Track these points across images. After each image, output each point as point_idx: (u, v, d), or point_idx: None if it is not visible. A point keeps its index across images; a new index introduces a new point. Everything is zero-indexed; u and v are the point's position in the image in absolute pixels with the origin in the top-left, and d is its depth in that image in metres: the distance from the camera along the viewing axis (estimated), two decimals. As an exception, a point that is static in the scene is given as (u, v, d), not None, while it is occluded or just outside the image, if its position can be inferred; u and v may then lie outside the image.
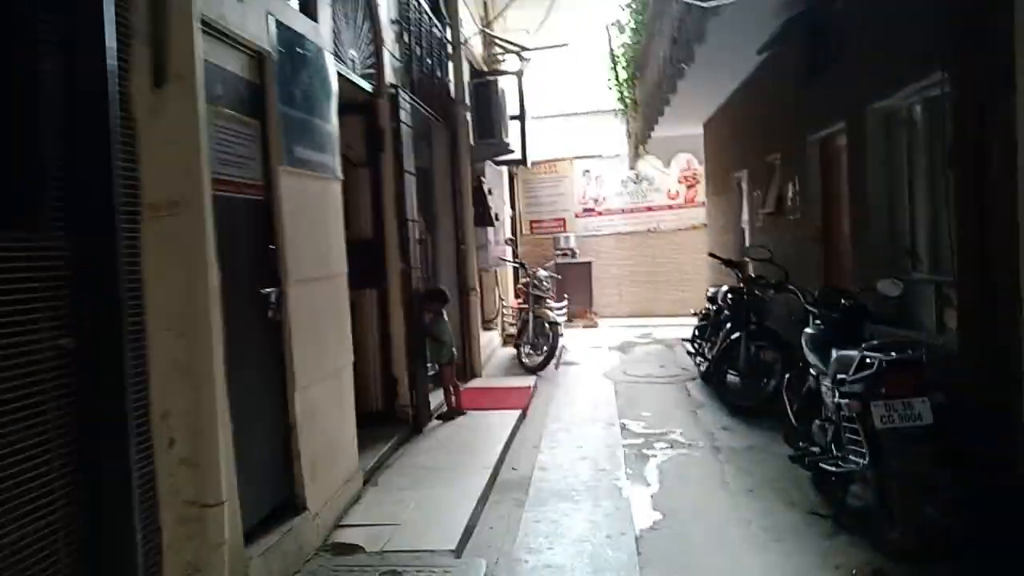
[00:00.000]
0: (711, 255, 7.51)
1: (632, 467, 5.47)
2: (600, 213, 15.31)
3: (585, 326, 13.81)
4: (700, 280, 12.02)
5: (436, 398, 6.90)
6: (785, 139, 7.19)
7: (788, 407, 4.81)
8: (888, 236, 5.17)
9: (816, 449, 4.37)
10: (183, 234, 2.70)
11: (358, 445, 5.10)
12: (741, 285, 7.32)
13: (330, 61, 4.51)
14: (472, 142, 8.77)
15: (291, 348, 3.81)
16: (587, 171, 15.32)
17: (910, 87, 4.56)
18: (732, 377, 7.06)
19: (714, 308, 8.21)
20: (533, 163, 14.54)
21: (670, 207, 15.03)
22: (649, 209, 15.12)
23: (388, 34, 6.07)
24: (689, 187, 14.90)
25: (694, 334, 8.14)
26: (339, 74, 4.88)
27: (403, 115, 6.14)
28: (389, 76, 6.04)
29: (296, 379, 3.84)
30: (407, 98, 6.32)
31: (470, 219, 8.77)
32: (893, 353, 3.57)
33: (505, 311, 11.48)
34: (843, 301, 4.51)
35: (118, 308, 2.41)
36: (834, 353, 4.09)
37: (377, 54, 5.87)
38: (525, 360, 9.46)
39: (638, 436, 6.33)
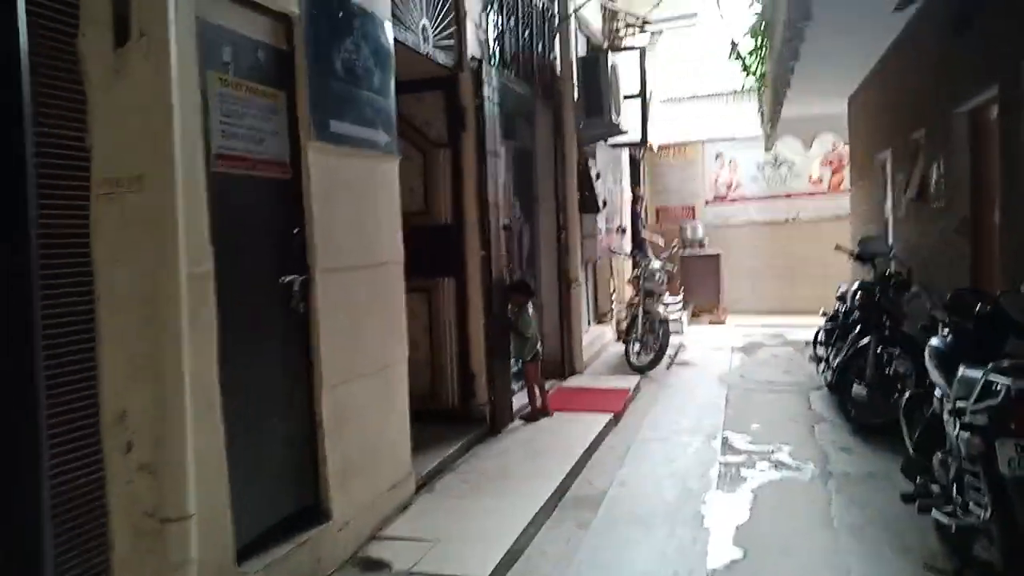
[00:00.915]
0: (838, 247, 6.59)
1: (725, 489, 4.79)
2: (733, 200, 14.27)
3: (711, 323, 12.92)
4: (843, 276, 10.84)
5: (522, 398, 6.48)
6: (931, 112, 6.15)
7: (906, 432, 3.97)
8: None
9: (936, 487, 3.56)
10: (147, 213, 2.39)
11: (423, 446, 4.80)
12: (873, 282, 6.37)
13: (385, 28, 4.14)
14: (578, 123, 8.22)
15: (319, 342, 3.49)
16: (719, 155, 14.30)
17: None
18: (859, 389, 6.13)
19: (844, 308, 7.25)
20: (660, 147, 13.78)
21: (811, 194, 13.76)
22: (788, 196, 13.91)
23: (473, 2, 5.64)
24: (834, 172, 13.57)
25: (818, 337, 7.22)
26: (403, 44, 4.51)
27: (488, 91, 5.71)
28: (473, 49, 5.62)
29: (324, 376, 3.51)
30: (494, 74, 5.88)
31: (574, 205, 8.24)
32: (1031, 378, 2.76)
33: (618, 305, 10.84)
34: (978, 307, 3.63)
35: (28, 302, 2.11)
36: (960, 371, 3.28)
37: (458, 24, 5.45)
38: (633, 359, 8.82)
39: (740, 453, 5.60)
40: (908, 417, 3.95)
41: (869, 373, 5.96)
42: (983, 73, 4.86)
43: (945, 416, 3.40)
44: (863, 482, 4.81)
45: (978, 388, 2.95)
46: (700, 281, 13.22)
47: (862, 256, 6.39)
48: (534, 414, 6.17)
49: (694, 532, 4.14)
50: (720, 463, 5.35)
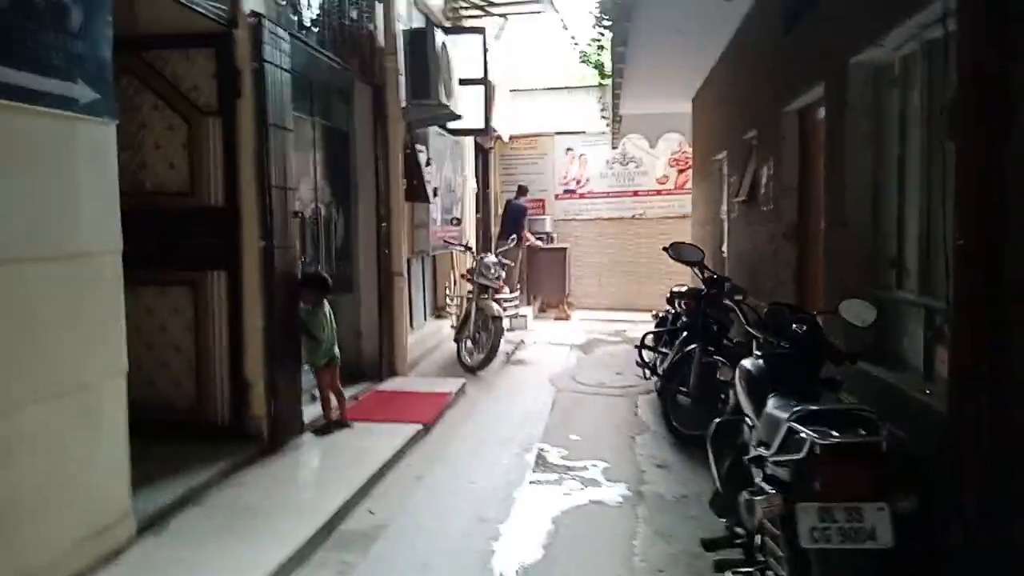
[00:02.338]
0: (665, 249, 6.23)
1: (523, 519, 4.22)
2: (582, 196, 13.97)
3: (556, 318, 12.55)
4: (688, 275, 10.69)
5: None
6: (763, 112, 5.87)
7: (713, 464, 3.51)
8: (869, 238, 3.87)
9: (741, 531, 3.11)
10: None
11: (169, 473, 4.06)
12: (701, 287, 6.03)
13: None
14: (403, 102, 7.48)
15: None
16: (570, 149, 13.95)
17: (904, 26, 3.25)
18: (683, 398, 5.77)
19: (673, 312, 6.92)
20: (511, 137, 13.25)
21: (658, 192, 13.66)
22: (635, 194, 13.76)
23: (256, -55, 4.78)
24: (680, 171, 13.52)
25: (645, 340, 6.85)
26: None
27: (272, 54, 4.86)
28: (253, 2, 4.76)
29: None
30: (284, 35, 5.05)
31: (398, 193, 7.50)
32: (835, 433, 2.29)
33: (456, 299, 10.21)
34: (794, 325, 3.20)
35: None
36: (768, 404, 2.82)
37: (230, -31, 4.59)
38: (465, 358, 8.22)
39: (552, 469, 5.08)
40: (716, 446, 3.48)
41: (693, 382, 5.61)
42: (812, 71, 4.53)
43: (751, 450, 2.94)
44: (676, 507, 4.37)
45: (780, 436, 2.47)
46: (547, 275, 12.83)
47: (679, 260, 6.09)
48: (327, 426, 5.41)
49: (475, 579, 3.53)
50: (529, 482, 4.80)
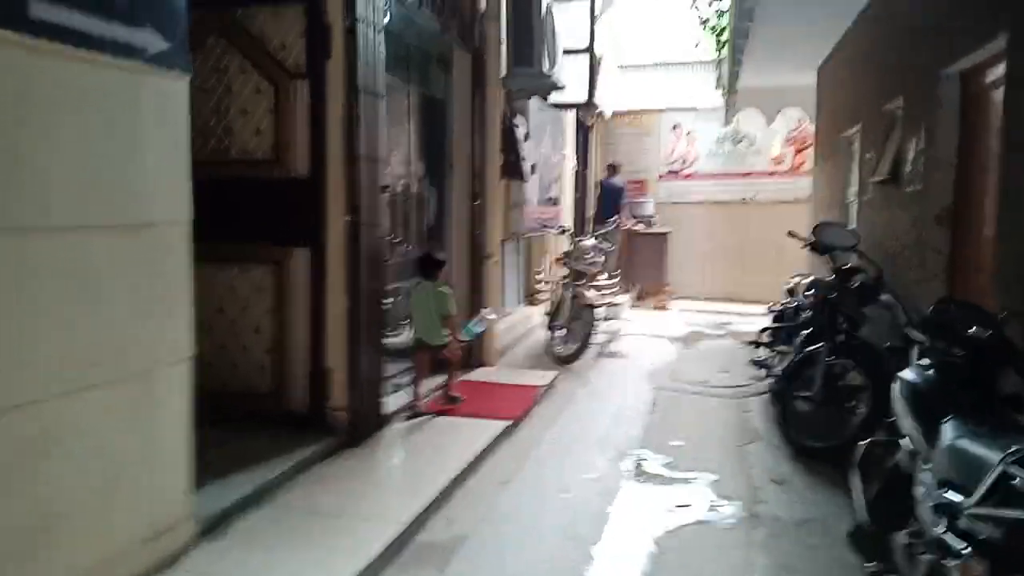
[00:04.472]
0: (791, 234, 5.54)
1: (620, 540, 3.72)
2: (688, 176, 13.16)
3: (655, 308, 11.86)
4: (800, 265, 9.84)
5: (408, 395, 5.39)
6: (912, 76, 5.08)
7: (860, 490, 2.89)
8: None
9: (897, 585, 2.52)
10: None
11: (240, 466, 3.81)
12: (832, 278, 5.33)
13: None
14: (503, 71, 7.01)
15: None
16: (676, 125, 13.14)
17: None
18: (803, 404, 5.11)
19: (793, 305, 6.22)
20: (614, 113, 12.60)
21: (772, 174, 12.70)
22: (747, 175, 12.84)
23: None
24: (798, 151, 12.52)
25: (760, 337, 6.17)
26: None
27: (365, 11, 4.46)
28: (343, -48, 4.37)
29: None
30: (377, -9, 4.65)
31: (494, 170, 7.06)
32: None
33: (549, 285, 9.73)
34: (972, 330, 2.54)
35: None
36: (947, 431, 2.22)
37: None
38: (556, 348, 7.73)
39: (653, 480, 4.55)
40: (865, 470, 2.87)
41: (817, 387, 4.94)
42: (985, 20, 3.77)
43: (920, 487, 2.33)
44: (798, 533, 3.78)
45: (991, 478, 1.87)
46: (646, 262, 12.14)
47: (818, 247, 5.36)
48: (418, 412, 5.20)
49: (566, 611, 3.06)
50: (627, 494, 4.29)
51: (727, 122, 12.23)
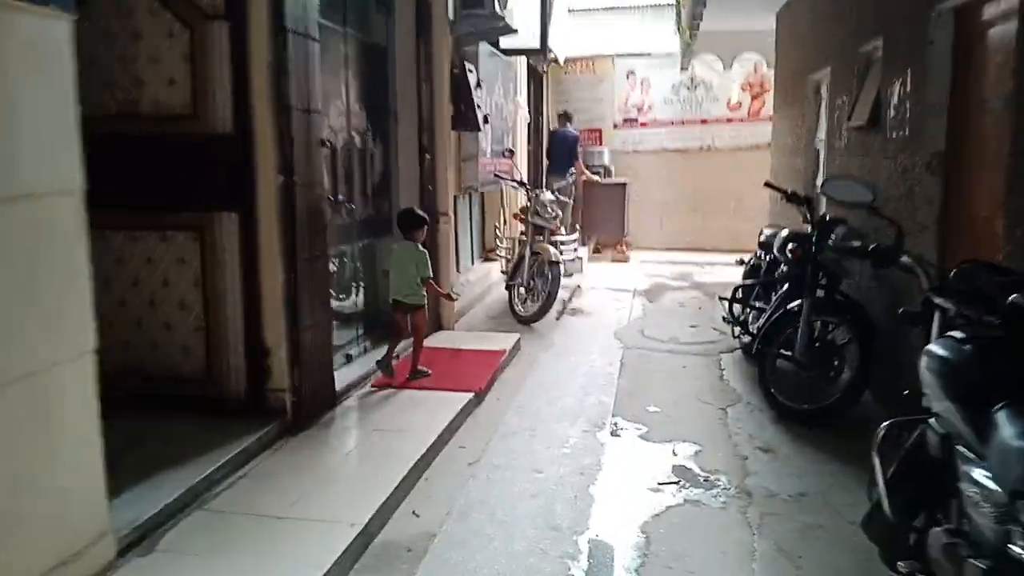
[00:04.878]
0: (768, 184, 5.18)
1: (605, 528, 3.36)
2: (644, 124, 12.72)
3: (615, 260, 11.53)
4: (761, 213, 9.56)
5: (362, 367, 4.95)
6: (895, 15, 4.69)
7: (880, 477, 2.55)
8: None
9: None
10: None
11: (168, 465, 3.34)
12: (810, 230, 5.00)
13: None
14: (451, 14, 6.43)
15: None
16: (631, 72, 12.64)
17: None
18: (785, 363, 4.81)
19: (767, 259, 5.89)
20: (566, 59, 12.05)
21: (729, 120, 12.35)
22: (704, 122, 12.46)
23: None
24: (755, 97, 12.18)
25: (735, 293, 5.84)
26: None
27: (288, -60, 3.87)
28: None
29: None
30: (304, -84, 4.04)
31: (444, 121, 6.52)
32: None
33: (506, 241, 9.29)
34: (1014, 297, 2.17)
35: None
36: (1005, 423, 1.86)
37: None
38: (518, 307, 7.35)
39: (631, 454, 4.22)
40: (883, 455, 2.52)
41: (799, 346, 4.64)
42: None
43: (971, 489, 1.98)
44: (793, 512, 3.47)
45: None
46: (603, 213, 11.76)
47: (795, 198, 5.02)
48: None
49: (550, 621, 2.70)
50: (606, 472, 3.94)
51: (683, 67, 11.81)
